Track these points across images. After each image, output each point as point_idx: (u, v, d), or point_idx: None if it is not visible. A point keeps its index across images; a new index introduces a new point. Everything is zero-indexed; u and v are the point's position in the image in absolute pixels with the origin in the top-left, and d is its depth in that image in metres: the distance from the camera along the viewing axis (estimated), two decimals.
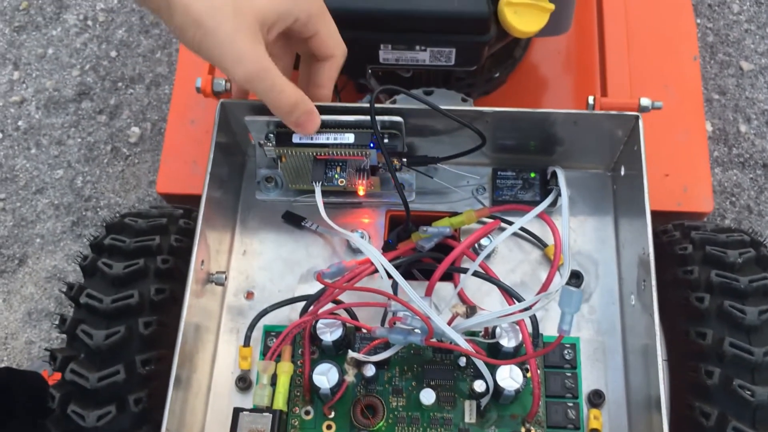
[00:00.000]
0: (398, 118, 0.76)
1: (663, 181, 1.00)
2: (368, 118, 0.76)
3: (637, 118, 0.76)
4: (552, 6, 0.81)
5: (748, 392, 0.70)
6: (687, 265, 0.80)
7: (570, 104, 1.09)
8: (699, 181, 1.01)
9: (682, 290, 0.78)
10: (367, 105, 0.74)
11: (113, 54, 1.58)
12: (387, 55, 0.85)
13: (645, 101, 0.88)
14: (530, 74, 1.12)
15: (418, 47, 0.84)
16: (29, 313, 1.38)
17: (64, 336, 0.80)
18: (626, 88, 0.96)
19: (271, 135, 0.76)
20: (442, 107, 0.75)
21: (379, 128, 0.74)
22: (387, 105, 0.78)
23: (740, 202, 1.40)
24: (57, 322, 1.05)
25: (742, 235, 0.83)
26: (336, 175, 0.77)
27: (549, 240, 0.82)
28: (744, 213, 1.39)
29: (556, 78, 1.12)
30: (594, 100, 0.89)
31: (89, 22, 1.62)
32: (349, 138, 0.75)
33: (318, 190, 0.77)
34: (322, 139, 0.75)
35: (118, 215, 0.90)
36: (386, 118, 0.76)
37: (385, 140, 0.76)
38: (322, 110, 0.78)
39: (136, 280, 0.80)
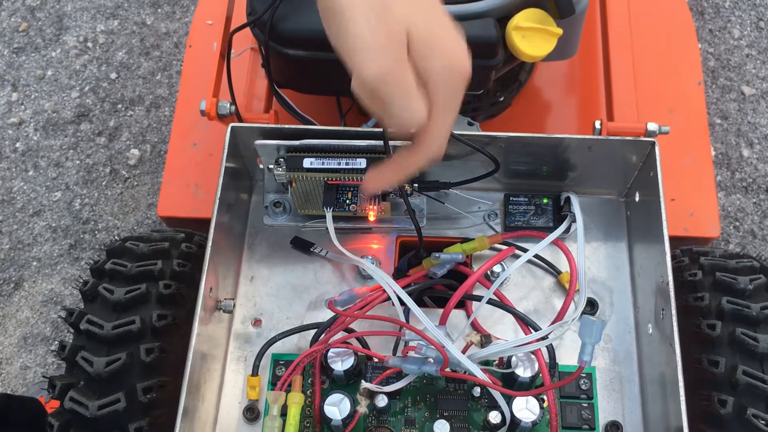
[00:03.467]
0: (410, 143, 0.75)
1: (669, 206, 0.98)
2: (380, 142, 0.75)
3: (653, 144, 0.76)
4: (560, 31, 0.81)
5: (763, 422, 0.69)
6: (697, 291, 0.79)
7: (574, 128, 1.09)
8: (705, 206, 1.01)
9: (692, 317, 0.77)
10: (380, 129, 0.73)
11: (113, 76, 1.57)
12: None
13: (652, 126, 0.88)
14: (535, 98, 1.12)
15: None
16: (25, 338, 1.35)
17: (60, 362, 0.78)
18: (633, 112, 0.96)
19: (282, 160, 0.75)
20: (455, 132, 0.74)
21: (392, 153, 0.73)
22: None
23: (744, 226, 1.40)
24: (53, 348, 1.03)
25: (751, 261, 0.83)
26: (347, 201, 0.76)
27: (561, 266, 0.81)
28: (748, 238, 1.39)
29: (560, 102, 1.11)
30: (601, 124, 0.89)
31: (89, 44, 1.62)
32: (361, 163, 0.74)
33: (329, 215, 0.76)
34: (334, 164, 0.74)
35: (118, 239, 0.89)
36: (398, 143, 0.75)
37: None
38: (334, 134, 0.77)
39: (138, 306, 0.78)
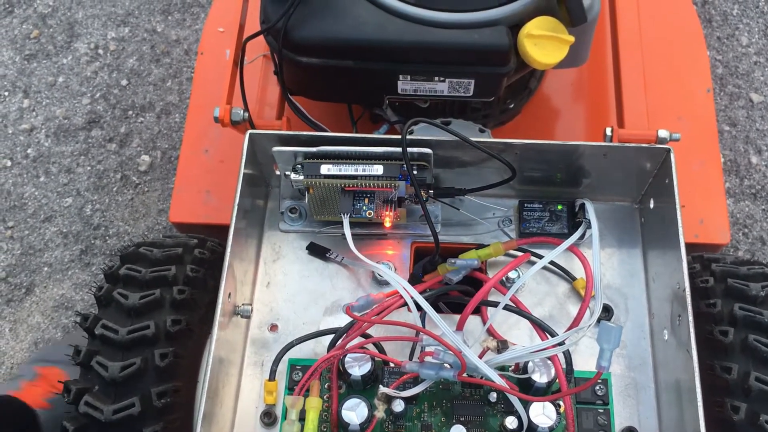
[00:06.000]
0: (427, 150, 0.76)
1: None
2: (396, 149, 0.76)
3: (668, 151, 0.76)
4: (572, 38, 0.81)
5: None
6: (709, 298, 0.79)
7: (584, 135, 1.09)
8: (715, 213, 1.01)
9: (704, 324, 0.78)
10: (396, 137, 0.74)
11: (124, 82, 1.58)
12: (405, 85, 0.85)
13: (663, 133, 0.88)
14: (545, 105, 1.12)
15: (437, 78, 0.84)
16: (36, 343, 1.36)
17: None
18: (643, 119, 0.96)
19: (299, 166, 0.76)
20: (472, 139, 0.75)
21: (409, 160, 0.74)
22: (417, 137, 0.78)
23: (753, 233, 1.40)
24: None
25: (763, 268, 0.83)
26: (364, 207, 0.77)
27: (576, 273, 0.81)
28: (757, 244, 1.39)
29: (569, 109, 1.12)
30: (612, 131, 0.90)
31: (100, 51, 1.62)
32: (378, 170, 0.75)
33: (346, 221, 0.76)
34: (351, 170, 0.75)
35: (130, 244, 0.89)
36: (415, 149, 0.76)
37: (414, 172, 0.75)
38: (351, 141, 0.77)
39: (152, 311, 0.79)
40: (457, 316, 0.77)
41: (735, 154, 1.46)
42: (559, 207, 0.84)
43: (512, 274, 0.79)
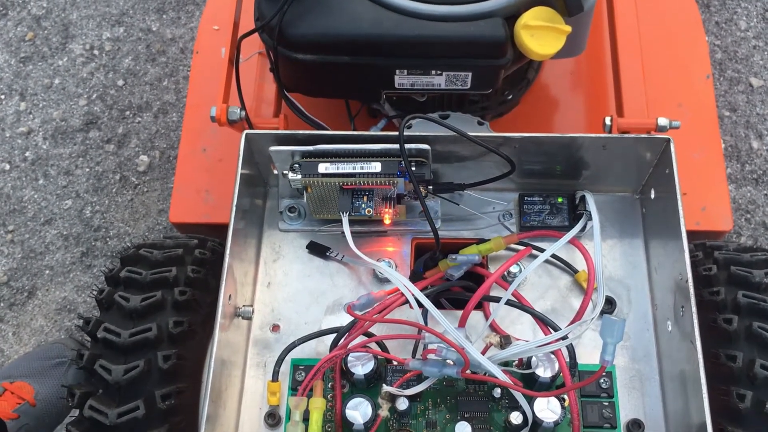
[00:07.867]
0: (425, 146, 0.75)
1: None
2: (393, 146, 0.75)
3: (668, 141, 0.75)
4: (569, 28, 0.80)
5: None
6: (712, 286, 0.79)
7: (583, 125, 1.09)
8: (717, 200, 1.01)
9: (708, 312, 0.77)
10: (394, 134, 0.73)
11: (120, 83, 1.57)
12: (402, 80, 0.85)
13: (663, 121, 0.88)
14: (543, 95, 1.12)
15: (434, 72, 0.83)
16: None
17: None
18: (642, 108, 0.95)
19: (297, 165, 0.76)
20: (470, 134, 0.74)
21: (407, 156, 0.73)
22: (414, 132, 0.77)
23: (755, 218, 1.39)
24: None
25: (766, 254, 0.83)
26: (363, 205, 0.76)
27: (578, 265, 0.81)
28: (760, 230, 1.38)
29: (568, 99, 1.11)
30: (611, 120, 0.89)
31: (95, 52, 1.62)
32: (376, 167, 0.74)
33: (345, 220, 0.76)
34: (349, 168, 0.74)
35: (131, 246, 0.89)
36: (413, 146, 0.75)
37: (413, 168, 0.75)
38: (348, 139, 0.77)
39: (154, 313, 0.78)
40: (460, 312, 0.76)
41: (736, 140, 1.45)
42: (560, 199, 0.83)
43: (514, 269, 0.79)
